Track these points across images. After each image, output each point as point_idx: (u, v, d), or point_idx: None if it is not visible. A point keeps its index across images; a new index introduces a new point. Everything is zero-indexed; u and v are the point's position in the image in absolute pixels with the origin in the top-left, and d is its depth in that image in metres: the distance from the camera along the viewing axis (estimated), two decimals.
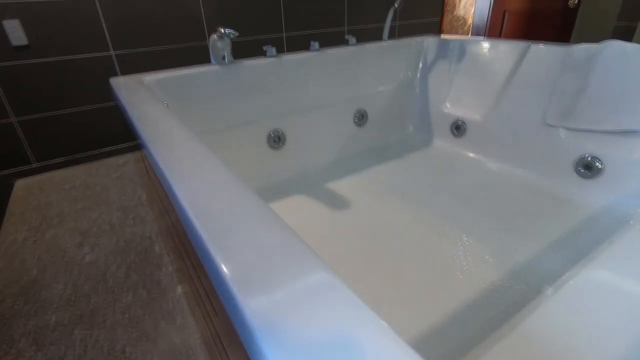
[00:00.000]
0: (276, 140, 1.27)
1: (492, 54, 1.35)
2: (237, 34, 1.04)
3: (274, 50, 1.22)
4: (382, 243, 0.99)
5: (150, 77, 1.04)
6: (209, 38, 2.01)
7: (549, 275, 0.85)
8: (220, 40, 1.10)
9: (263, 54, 1.25)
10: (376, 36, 2.69)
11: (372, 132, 1.52)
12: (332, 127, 1.40)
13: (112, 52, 1.72)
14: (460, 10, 4.78)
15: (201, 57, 2.00)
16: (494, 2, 3.36)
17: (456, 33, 3.60)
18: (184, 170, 0.49)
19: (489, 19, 3.44)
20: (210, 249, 0.33)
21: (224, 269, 0.30)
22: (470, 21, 4.57)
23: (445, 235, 1.01)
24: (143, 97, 0.86)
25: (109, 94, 1.76)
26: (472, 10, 4.24)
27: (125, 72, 1.78)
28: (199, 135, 1.12)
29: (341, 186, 1.28)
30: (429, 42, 1.53)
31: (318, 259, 0.31)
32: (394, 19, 2.78)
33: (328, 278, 0.29)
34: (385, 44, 1.46)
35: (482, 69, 1.37)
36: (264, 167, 1.28)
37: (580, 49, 1.11)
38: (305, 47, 2.32)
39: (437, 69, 1.51)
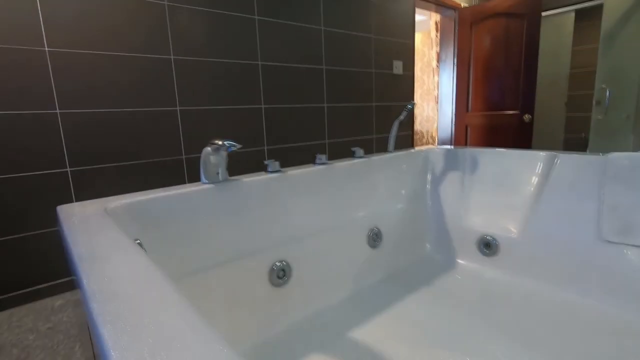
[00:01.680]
0: (280, 274, 0.97)
1: (511, 164, 1.25)
2: (239, 146, 0.83)
3: (277, 164, 1.01)
4: None
5: (116, 203, 0.76)
6: (184, 151, 1.82)
7: None
8: (214, 154, 0.88)
9: (263, 168, 1.04)
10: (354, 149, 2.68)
11: (388, 253, 1.27)
12: (345, 252, 1.14)
13: (67, 169, 1.45)
14: (417, 126, 5.20)
15: (176, 174, 1.77)
16: (455, 118, 3.64)
17: (419, 145, 3.75)
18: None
19: (453, 132, 3.67)
20: None
21: None
22: (426, 135, 4.94)
23: None
24: (99, 228, 0.57)
25: (48, 219, 1.42)
26: (435, 126, 4.59)
27: (81, 191, 1.48)
28: (183, 277, 0.80)
29: (366, 333, 0.96)
30: (435, 152, 1.43)
31: None
32: (376, 133, 2.84)
33: None
34: (392, 156, 1.33)
35: (503, 180, 1.25)
36: (265, 312, 0.94)
37: (623, 158, 1.02)
38: (286, 161, 2.20)
39: (448, 180, 1.38)
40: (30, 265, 1.40)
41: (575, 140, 3.92)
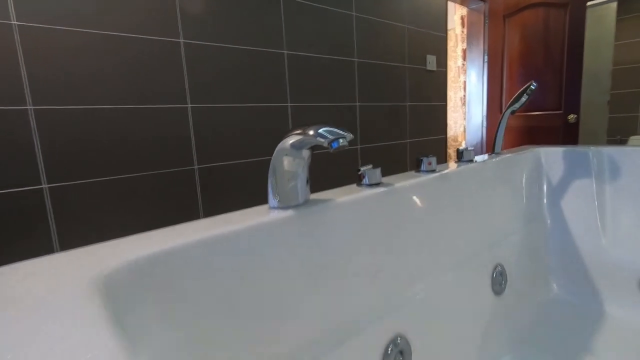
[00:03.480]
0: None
1: None
2: (350, 137, 0.43)
3: (378, 174, 0.61)
4: None
5: (117, 261, 0.35)
6: (196, 161, 1.42)
7: None
8: (294, 154, 0.48)
9: (358, 179, 0.64)
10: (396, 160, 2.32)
11: (513, 301, 0.87)
12: (467, 305, 0.73)
13: (43, 186, 1.03)
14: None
15: (186, 189, 1.37)
16: (487, 121, 3.29)
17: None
18: None
19: (484, 136, 3.32)
20: None
21: None
22: (457, 140, 4.58)
23: None
24: None
25: (12, 254, 0.99)
26: (459, 130, 4.25)
27: (63, 214, 1.07)
28: None
29: None
30: (550, 153, 1.05)
31: None
32: (410, 137, 2.47)
33: None
34: (503, 159, 0.94)
35: None
36: None
37: None
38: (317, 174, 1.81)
39: (575, 192, 1.00)
40: None
41: (613, 143, 3.61)
